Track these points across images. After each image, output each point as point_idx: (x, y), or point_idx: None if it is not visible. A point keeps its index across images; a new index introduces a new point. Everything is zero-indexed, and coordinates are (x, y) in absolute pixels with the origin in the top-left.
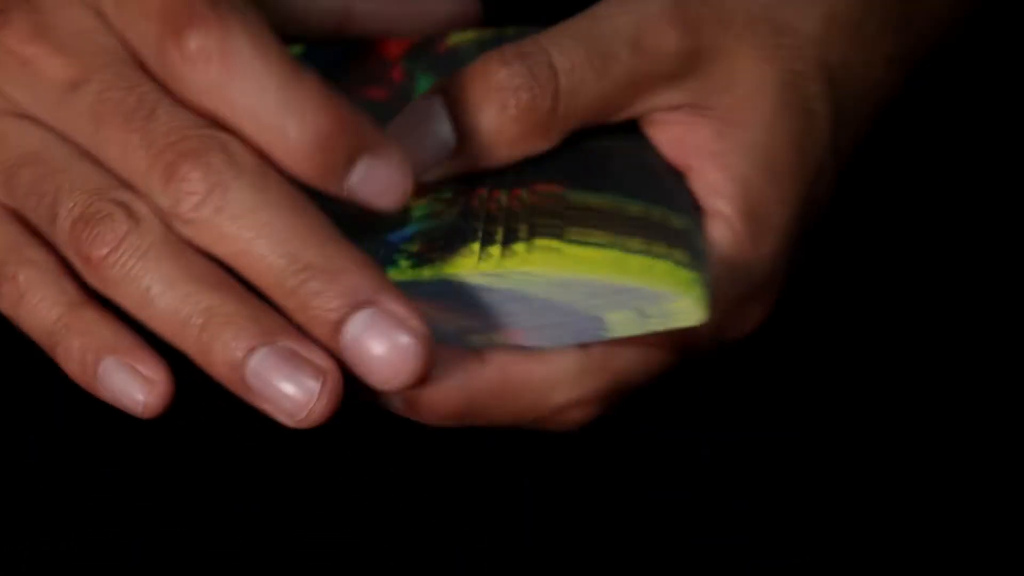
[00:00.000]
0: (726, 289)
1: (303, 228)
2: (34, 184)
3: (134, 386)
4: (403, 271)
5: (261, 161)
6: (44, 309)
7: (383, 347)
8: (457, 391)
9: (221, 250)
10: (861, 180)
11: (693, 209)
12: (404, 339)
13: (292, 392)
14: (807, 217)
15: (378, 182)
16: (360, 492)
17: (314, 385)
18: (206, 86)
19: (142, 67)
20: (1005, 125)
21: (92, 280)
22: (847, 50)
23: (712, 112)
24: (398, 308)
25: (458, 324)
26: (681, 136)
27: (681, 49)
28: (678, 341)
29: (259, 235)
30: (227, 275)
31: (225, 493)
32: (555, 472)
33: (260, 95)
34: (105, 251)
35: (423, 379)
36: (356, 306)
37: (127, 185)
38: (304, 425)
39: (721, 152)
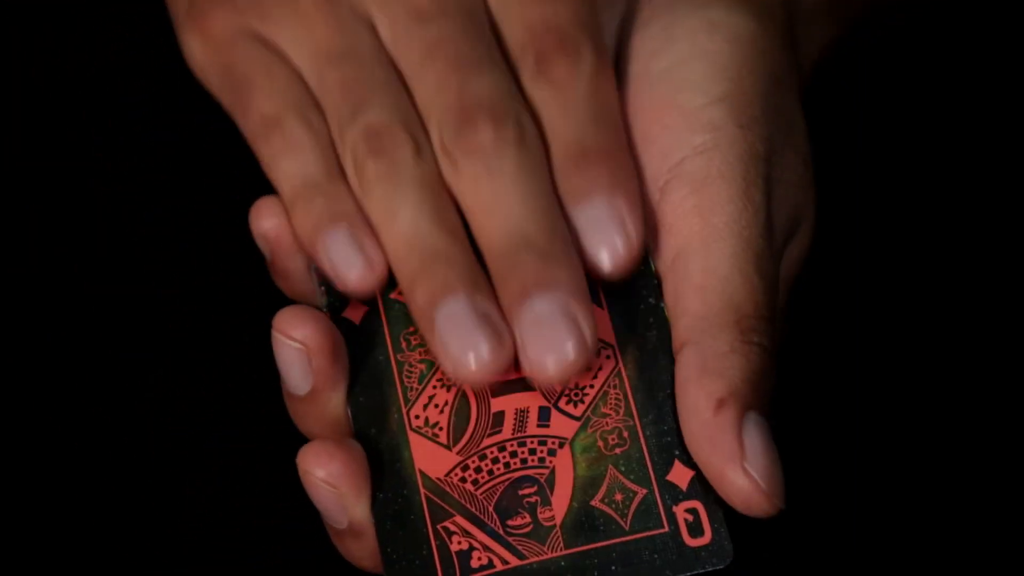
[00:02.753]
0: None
1: (544, 215)
2: (347, 81)
3: (357, 259)
4: None
5: (543, 148)
6: (304, 165)
7: (549, 345)
8: None
9: (469, 200)
10: (861, 182)
11: None
12: (568, 346)
13: (467, 349)
14: None
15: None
16: None
17: (488, 352)
18: (553, 103)
19: (491, 21)
20: (1005, 125)
21: (353, 180)
22: None
23: None
24: (581, 311)
25: None
26: None
27: None
28: None
29: (506, 204)
30: (462, 227)
31: (225, 493)
32: None
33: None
34: (381, 167)
35: (575, 374)
36: (548, 289)
37: (422, 113)
38: (464, 382)
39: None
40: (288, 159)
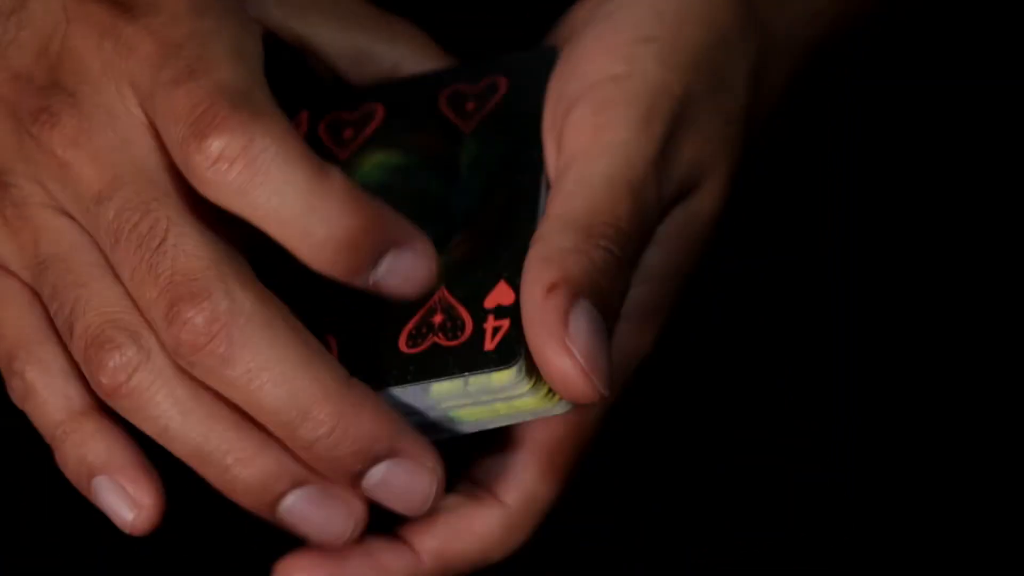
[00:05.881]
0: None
1: (310, 376)
2: (56, 289)
3: (123, 506)
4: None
5: (263, 298)
6: (47, 412)
7: (403, 493)
8: None
9: (230, 395)
10: (863, 184)
11: None
12: (422, 484)
13: (326, 527)
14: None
15: (402, 274)
16: None
17: (347, 524)
18: (230, 189)
19: (172, 176)
20: (1005, 125)
21: (107, 401)
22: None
23: None
24: (415, 451)
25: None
26: None
27: None
28: None
29: (266, 387)
30: (239, 413)
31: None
32: None
33: (284, 197)
34: (115, 381)
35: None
36: (374, 460)
37: (138, 308)
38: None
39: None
40: (31, 407)
